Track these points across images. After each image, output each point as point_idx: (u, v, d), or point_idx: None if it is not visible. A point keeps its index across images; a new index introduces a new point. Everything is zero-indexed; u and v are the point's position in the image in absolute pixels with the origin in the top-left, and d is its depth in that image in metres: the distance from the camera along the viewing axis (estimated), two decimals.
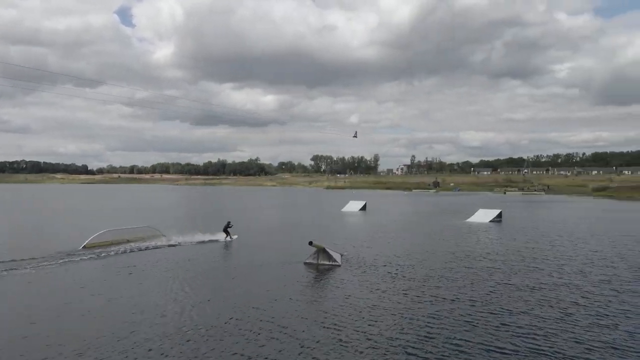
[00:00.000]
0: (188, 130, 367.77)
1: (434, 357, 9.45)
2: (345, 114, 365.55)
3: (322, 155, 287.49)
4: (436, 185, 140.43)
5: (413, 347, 9.95)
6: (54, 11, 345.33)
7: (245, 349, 9.82)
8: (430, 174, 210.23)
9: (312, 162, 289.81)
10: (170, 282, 15.96)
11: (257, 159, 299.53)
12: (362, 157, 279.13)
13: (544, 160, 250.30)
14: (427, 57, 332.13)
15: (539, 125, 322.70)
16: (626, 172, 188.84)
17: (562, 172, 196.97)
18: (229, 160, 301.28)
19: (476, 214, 39.81)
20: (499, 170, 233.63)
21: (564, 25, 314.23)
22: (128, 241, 24.32)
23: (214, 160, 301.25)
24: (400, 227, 33.88)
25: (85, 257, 20.18)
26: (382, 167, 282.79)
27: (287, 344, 10.14)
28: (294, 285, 15.61)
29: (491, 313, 12.29)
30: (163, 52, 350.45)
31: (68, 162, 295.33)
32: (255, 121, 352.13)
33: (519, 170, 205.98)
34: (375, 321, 11.67)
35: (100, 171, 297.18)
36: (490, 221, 37.08)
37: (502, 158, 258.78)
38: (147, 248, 23.04)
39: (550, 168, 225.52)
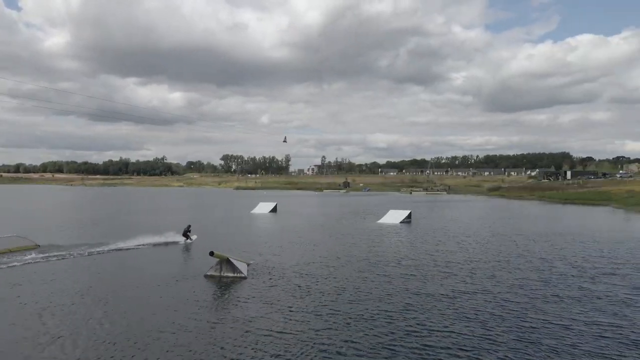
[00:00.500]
0: (86, 127, 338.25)
1: None
2: (256, 114, 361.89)
3: (232, 155, 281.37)
4: (346, 185, 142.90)
5: None
6: None
7: None
8: (340, 174, 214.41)
9: (222, 162, 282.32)
10: (32, 308, 12.70)
11: (163, 158, 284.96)
12: (273, 157, 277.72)
13: (443, 162, 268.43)
14: (335, 60, 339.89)
15: (439, 128, 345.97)
16: (513, 173, 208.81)
17: (459, 173, 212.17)
18: (133, 159, 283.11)
19: (387, 215, 39.82)
20: (404, 170, 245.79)
21: (460, 38, 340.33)
22: None
23: (116, 159, 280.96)
24: (312, 231, 32.51)
25: None
26: (293, 167, 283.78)
27: None
28: (189, 306, 13.18)
29: (410, 333, 11.03)
30: (55, 41, 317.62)
31: None
32: (162, 119, 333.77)
33: (422, 171, 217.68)
34: (281, 354, 9.82)
35: None
36: (401, 222, 37.20)
37: (407, 159, 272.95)
38: (14, 264, 18.88)
39: (449, 169, 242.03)
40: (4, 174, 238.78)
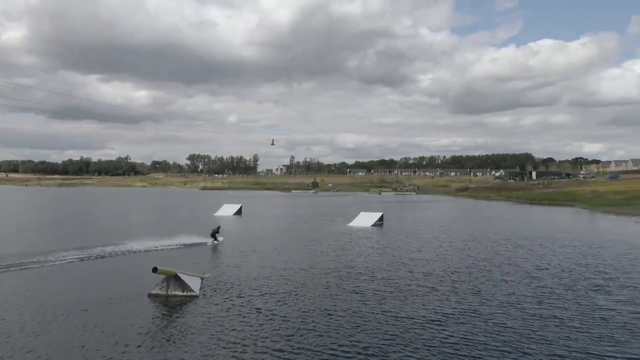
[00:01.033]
0: (45, 124, 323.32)
1: None
2: (224, 113, 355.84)
3: (199, 155, 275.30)
4: (315, 185, 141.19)
5: None
6: None
7: None
8: (309, 174, 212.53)
9: (189, 162, 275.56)
10: None
11: (127, 158, 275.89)
12: (241, 157, 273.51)
13: (411, 162, 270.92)
14: (305, 60, 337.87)
15: (406, 129, 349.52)
16: (479, 173, 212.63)
17: (427, 174, 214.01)
18: (95, 159, 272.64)
19: (358, 217, 37.89)
20: (372, 171, 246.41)
21: (427, 40, 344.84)
22: None
23: (77, 158, 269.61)
24: (278, 236, 30.12)
25: None
26: (262, 167, 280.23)
27: None
28: (122, 338, 10.57)
29: None
30: (11, 35, 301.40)
31: None
32: (127, 117, 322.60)
33: (390, 172, 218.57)
34: None
35: None
36: (372, 225, 35.30)
37: (375, 160, 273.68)
38: None
39: (417, 169, 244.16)
40: None
